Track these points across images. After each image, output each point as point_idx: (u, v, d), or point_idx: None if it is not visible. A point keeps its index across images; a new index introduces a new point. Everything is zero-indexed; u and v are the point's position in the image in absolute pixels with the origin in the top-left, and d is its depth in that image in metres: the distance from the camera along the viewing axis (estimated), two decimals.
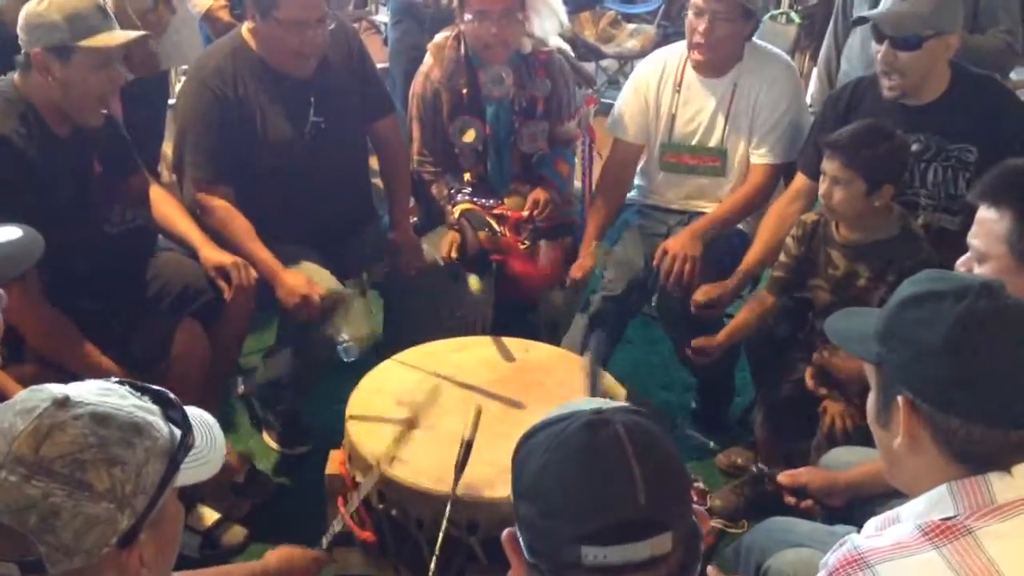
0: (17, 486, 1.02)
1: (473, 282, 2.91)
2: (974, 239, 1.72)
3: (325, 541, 1.91)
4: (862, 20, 2.58)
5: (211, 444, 1.21)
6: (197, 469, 1.17)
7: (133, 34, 2.36)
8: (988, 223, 1.70)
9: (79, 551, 1.03)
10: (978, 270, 1.69)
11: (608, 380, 2.32)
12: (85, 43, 2.23)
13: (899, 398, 1.22)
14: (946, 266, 2.32)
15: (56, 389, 1.09)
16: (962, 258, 1.77)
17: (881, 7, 2.54)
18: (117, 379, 1.17)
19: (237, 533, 2.54)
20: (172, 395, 1.17)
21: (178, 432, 1.14)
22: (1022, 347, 1.18)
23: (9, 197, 2.15)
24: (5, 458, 1.03)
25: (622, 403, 1.15)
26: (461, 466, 1.89)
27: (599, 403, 1.11)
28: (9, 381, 2.06)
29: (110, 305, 2.41)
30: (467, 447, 1.91)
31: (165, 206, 2.63)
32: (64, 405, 1.06)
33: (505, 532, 1.11)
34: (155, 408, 1.13)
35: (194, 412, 1.21)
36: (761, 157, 2.93)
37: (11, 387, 2.00)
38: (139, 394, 1.14)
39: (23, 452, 1.03)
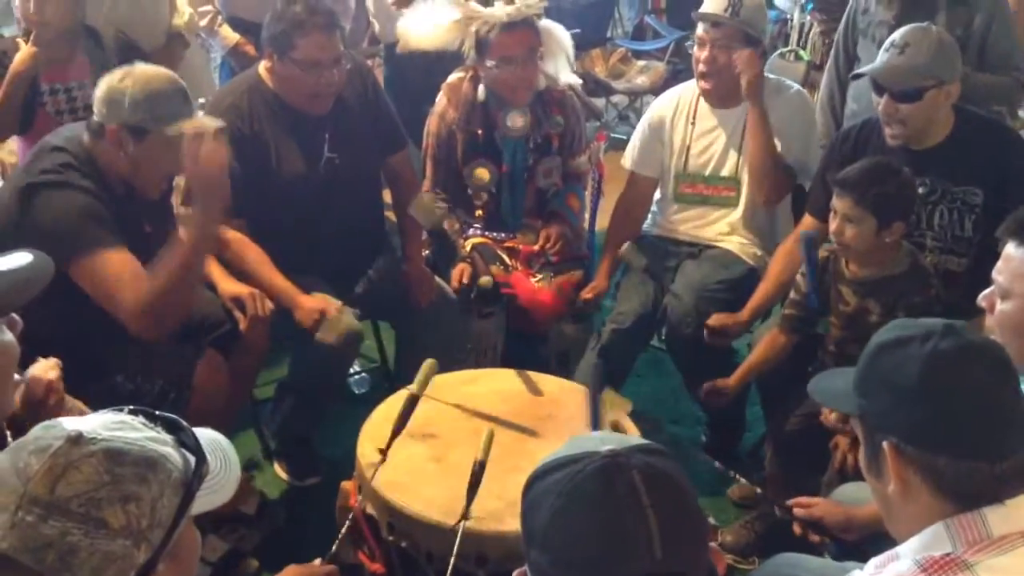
0: (34, 526, 1.03)
1: (484, 281, 2.90)
2: (999, 275, 1.72)
3: (333, 549, 1.89)
4: (860, 76, 2.60)
5: (225, 468, 1.21)
6: (212, 496, 1.17)
7: (210, 124, 2.36)
8: (1015, 260, 1.69)
9: None
10: (1000, 306, 1.70)
11: (612, 397, 2.32)
12: (162, 130, 2.25)
13: (884, 444, 1.24)
14: (952, 304, 2.35)
15: (70, 425, 1.09)
16: (984, 292, 1.77)
17: (878, 61, 2.56)
18: (131, 408, 1.16)
19: (248, 564, 2.54)
20: (184, 423, 1.17)
21: (192, 460, 1.14)
22: (991, 379, 1.21)
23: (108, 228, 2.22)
24: (21, 498, 1.03)
25: (637, 440, 1.11)
26: (473, 488, 1.89)
27: (613, 441, 1.07)
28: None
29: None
30: (480, 468, 1.91)
31: None
32: (78, 443, 1.07)
33: (516, 573, 1.10)
34: (168, 438, 1.13)
35: (207, 436, 1.21)
36: None
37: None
38: (152, 424, 1.14)
39: (39, 492, 1.03)
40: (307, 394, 2.83)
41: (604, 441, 1.08)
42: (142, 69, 2.32)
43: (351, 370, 3.24)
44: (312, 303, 2.61)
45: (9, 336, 1.36)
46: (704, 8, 2.90)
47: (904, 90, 2.47)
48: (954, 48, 2.54)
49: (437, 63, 3.21)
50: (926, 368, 1.21)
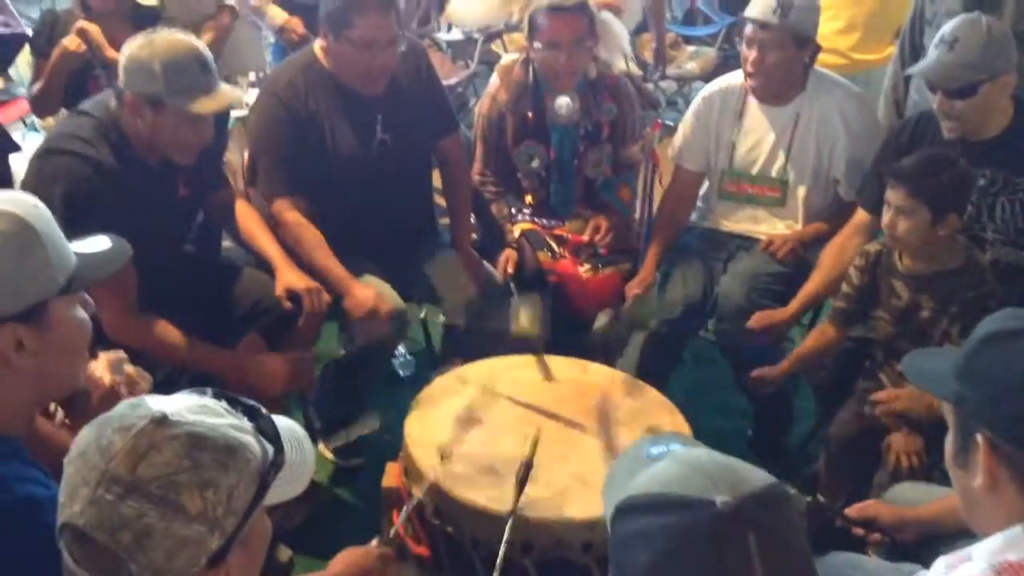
0: (113, 505, 1.04)
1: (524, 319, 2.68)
2: None
3: (391, 532, 1.88)
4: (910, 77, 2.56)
5: (301, 459, 1.21)
6: (287, 487, 1.17)
7: (228, 98, 2.35)
8: None
9: (169, 571, 1.05)
10: None
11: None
12: (178, 104, 2.23)
13: (978, 437, 1.21)
14: (1009, 303, 2.29)
15: (155, 406, 1.10)
16: None
17: (929, 59, 2.50)
18: (214, 392, 1.17)
19: (281, 553, 2.52)
20: (263, 409, 1.17)
21: (270, 449, 1.14)
22: None
23: (104, 216, 2.14)
24: (102, 476, 1.05)
25: (756, 481, 1.02)
26: (521, 485, 1.89)
27: (726, 481, 0.99)
28: None
29: (185, 320, 2.41)
30: (527, 468, 1.91)
31: (248, 222, 2.68)
32: (162, 424, 1.07)
33: None
34: (248, 426, 1.14)
35: (284, 425, 1.21)
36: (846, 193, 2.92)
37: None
38: (234, 409, 1.15)
39: (120, 471, 1.05)
40: (352, 375, 2.85)
41: (715, 479, 1.00)
42: (164, 37, 2.27)
43: (396, 352, 3.25)
44: (365, 296, 2.59)
45: (83, 314, 1.39)
46: (751, 10, 2.83)
47: (958, 88, 2.42)
48: (1006, 38, 2.47)
49: None
50: None
